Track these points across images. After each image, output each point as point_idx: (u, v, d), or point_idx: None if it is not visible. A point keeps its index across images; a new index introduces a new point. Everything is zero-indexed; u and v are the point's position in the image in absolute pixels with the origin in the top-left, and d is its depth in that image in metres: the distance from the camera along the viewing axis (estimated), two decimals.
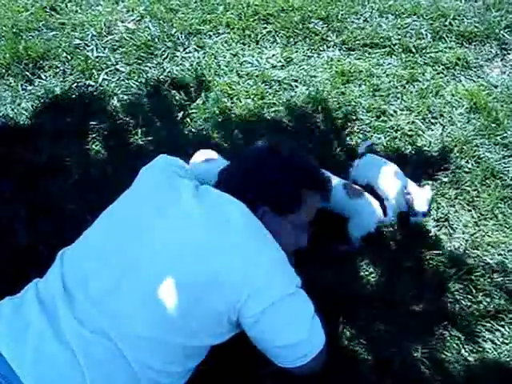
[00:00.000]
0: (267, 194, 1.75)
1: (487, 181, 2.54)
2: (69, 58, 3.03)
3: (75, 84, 2.91)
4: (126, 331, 1.53)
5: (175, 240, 1.59)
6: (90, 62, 3.00)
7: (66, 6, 3.34)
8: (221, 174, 1.90)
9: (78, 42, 3.12)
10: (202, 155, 2.31)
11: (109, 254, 1.63)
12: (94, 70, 2.96)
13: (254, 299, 1.55)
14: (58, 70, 2.97)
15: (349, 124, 2.75)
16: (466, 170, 2.58)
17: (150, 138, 2.65)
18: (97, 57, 3.04)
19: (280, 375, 1.74)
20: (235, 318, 1.59)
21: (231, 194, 1.69)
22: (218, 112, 2.77)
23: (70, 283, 1.59)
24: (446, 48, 3.15)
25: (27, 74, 2.94)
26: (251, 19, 3.24)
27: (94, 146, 2.63)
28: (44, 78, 2.94)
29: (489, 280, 2.24)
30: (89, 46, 3.10)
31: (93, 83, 2.92)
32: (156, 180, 1.78)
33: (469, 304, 2.18)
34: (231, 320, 1.59)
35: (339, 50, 3.13)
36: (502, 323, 2.14)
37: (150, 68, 3.00)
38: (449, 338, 2.10)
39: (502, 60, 3.13)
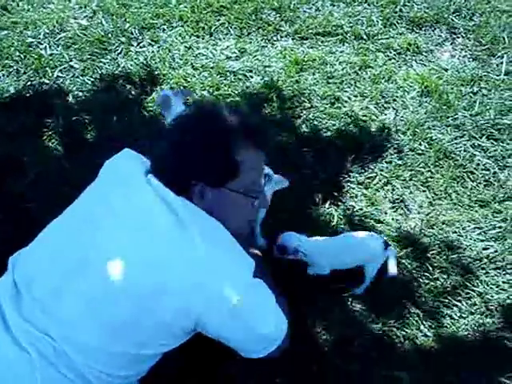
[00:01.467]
0: (196, 167, 1.55)
1: (440, 162, 2.60)
2: (22, 56, 3.02)
3: (29, 82, 2.90)
4: (70, 336, 1.47)
5: (123, 244, 1.50)
6: (43, 60, 2.99)
7: (18, 5, 3.32)
8: (152, 160, 1.65)
9: (30, 40, 3.10)
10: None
11: (57, 255, 1.56)
12: (47, 68, 2.95)
13: (214, 305, 1.47)
14: (11, 70, 2.96)
15: (304, 112, 2.79)
16: (419, 152, 2.64)
17: (106, 133, 2.65)
18: (50, 54, 3.03)
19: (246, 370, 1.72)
20: (192, 327, 1.52)
21: (167, 180, 1.54)
22: None
23: (19, 283, 1.56)
24: (396, 34, 3.21)
25: None
26: (204, 11, 3.26)
27: (50, 144, 2.63)
28: None
29: (445, 257, 2.30)
30: (42, 44, 3.08)
31: (47, 81, 2.91)
32: (111, 177, 1.69)
33: (426, 281, 2.23)
34: (187, 329, 1.53)
35: (292, 39, 3.17)
36: (459, 298, 2.19)
37: (104, 64, 3.00)
38: (408, 316, 2.14)
39: (451, 44, 3.20)
